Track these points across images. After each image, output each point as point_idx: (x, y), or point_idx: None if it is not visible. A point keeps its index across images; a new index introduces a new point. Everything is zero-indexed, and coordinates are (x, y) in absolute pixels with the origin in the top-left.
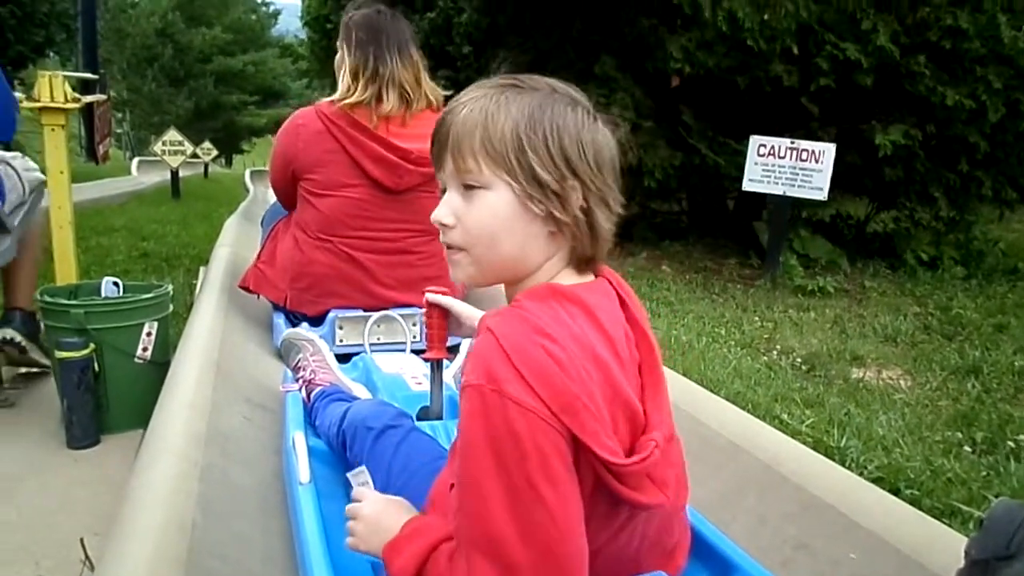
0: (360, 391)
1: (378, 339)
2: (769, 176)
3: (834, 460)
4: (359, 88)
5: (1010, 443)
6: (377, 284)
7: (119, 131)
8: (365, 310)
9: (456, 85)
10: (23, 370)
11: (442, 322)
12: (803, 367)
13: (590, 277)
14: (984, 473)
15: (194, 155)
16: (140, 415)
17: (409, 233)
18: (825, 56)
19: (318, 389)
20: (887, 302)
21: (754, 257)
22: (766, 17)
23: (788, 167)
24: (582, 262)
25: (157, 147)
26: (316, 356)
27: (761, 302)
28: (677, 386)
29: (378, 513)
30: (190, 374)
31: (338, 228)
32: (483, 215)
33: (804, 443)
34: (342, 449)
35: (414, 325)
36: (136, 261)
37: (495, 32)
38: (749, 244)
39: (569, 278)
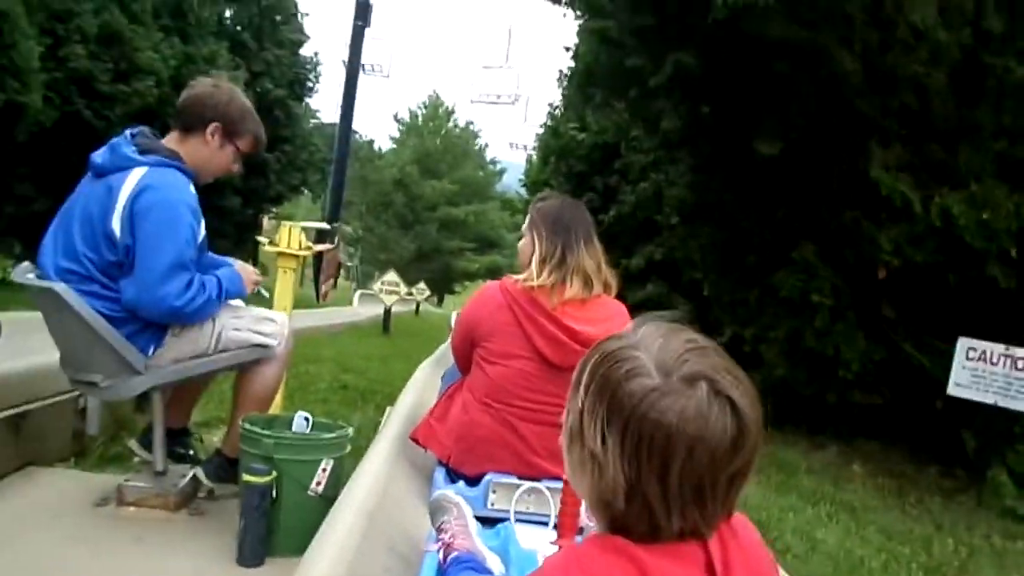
0: (494, 562)
1: (527, 508)
2: (979, 382)
3: None
4: (545, 273)
5: None
6: (533, 454)
7: (349, 264)
8: (520, 477)
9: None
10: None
11: (576, 508)
12: None
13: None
14: None
15: (408, 293)
16: (305, 543)
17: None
18: None
19: (455, 554)
20: None
21: (959, 469)
22: (985, 216)
23: (1001, 374)
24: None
25: (376, 285)
26: (459, 520)
27: (960, 522)
28: None
29: None
30: (346, 517)
31: (503, 395)
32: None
33: None
34: None
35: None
36: (335, 392)
37: (701, 207)
38: (955, 453)
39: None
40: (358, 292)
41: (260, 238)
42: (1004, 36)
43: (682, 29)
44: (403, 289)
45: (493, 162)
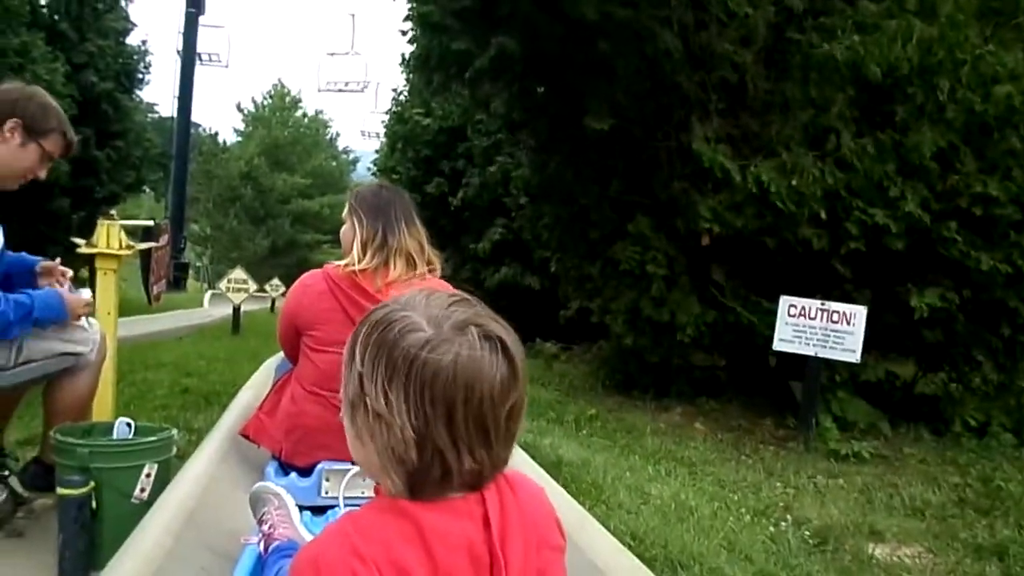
0: None
1: (361, 492)
2: (800, 336)
3: None
4: (368, 256)
5: None
6: None
7: (198, 264)
8: (353, 463)
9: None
10: (43, 502)
11: None
12: (812, 540)
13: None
14: None
15: (261, 290)
16: None
17: None
18: (854, 221)
19: (275, 543)
20: (925, 471)
21: (790, 418)
22: (793, 183)
23: (819, 328)
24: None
25: (223, 284)
26: (280, 511)
27: (789, 467)
28: (620, 566)
29: None
30: (159, 521)
31: (330, 382)
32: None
33: None
34: None
35: None
36: (176, 397)
37: (544, 187)
38: (787, 404)
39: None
40: (208, 293)
41: (76, 239)
42: (805, 13)
43: (502, 11)
44: (252, 286)
45: (346, 151)
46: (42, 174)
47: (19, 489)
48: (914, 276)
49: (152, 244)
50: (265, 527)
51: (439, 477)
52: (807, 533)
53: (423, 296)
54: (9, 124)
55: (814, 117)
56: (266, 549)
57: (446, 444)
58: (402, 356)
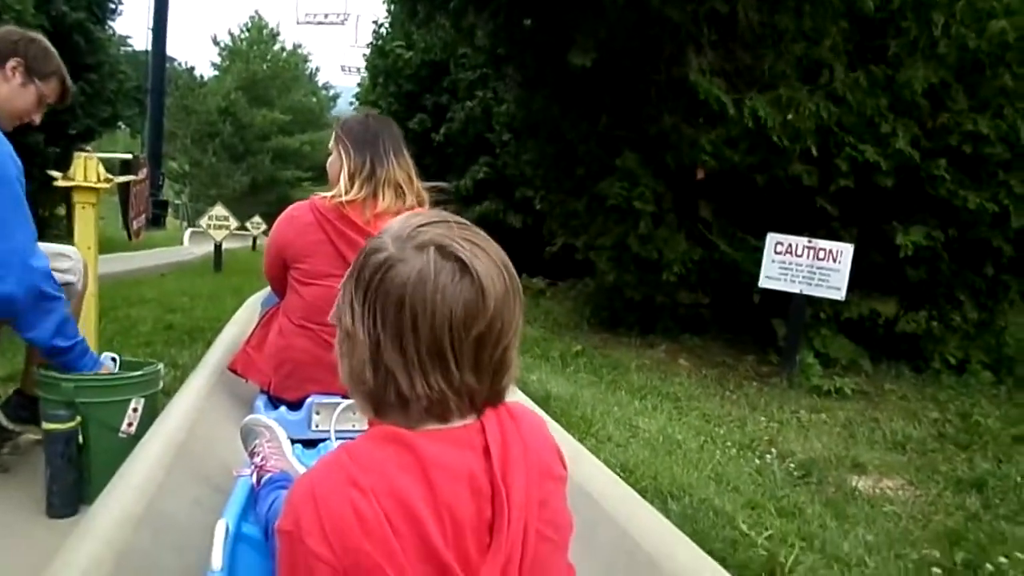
0: None
1: (352, 426)
2: (786, 274)
3: None
4: (355, 187)
5: (989, 565)
6: None
7: (177, 202)
8: (344, 396)
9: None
10: (28, 438)
11: None
12: (796, 473)
13: (467, 417)
14: None
15: (242, 228)
16: None
17: None
18: (844, 157)
19: (268, 475)
20: (905, 406)
21: (773, 355)
22: (789, 117)
23: (805, 265)
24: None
25: (203, 221)
26: (271, 443)
27: (773, 402)
28: (615, 495)
29: None
30: (149, 453)
31: (319, 315)
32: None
33: (756, 556)
34: (265, 536)
35: None
36: (160, 333)
37: (529, 123)
38: (770, 341)
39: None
40: (188, 230)
41: (52, 172)
42: None
43: None
44: (233, 223)
45: (326, 87)
46: (36, 119)
47: (3, 422)
48: (900, 214)
49: (131, 177)
50: (257, 459)
51: (395, 402)
52: (792, 466)
53: (404, 218)
54: (11, 63)
55: (807, 50)
56: (259, 481)
57: (397, 366)
58: (367, 275)
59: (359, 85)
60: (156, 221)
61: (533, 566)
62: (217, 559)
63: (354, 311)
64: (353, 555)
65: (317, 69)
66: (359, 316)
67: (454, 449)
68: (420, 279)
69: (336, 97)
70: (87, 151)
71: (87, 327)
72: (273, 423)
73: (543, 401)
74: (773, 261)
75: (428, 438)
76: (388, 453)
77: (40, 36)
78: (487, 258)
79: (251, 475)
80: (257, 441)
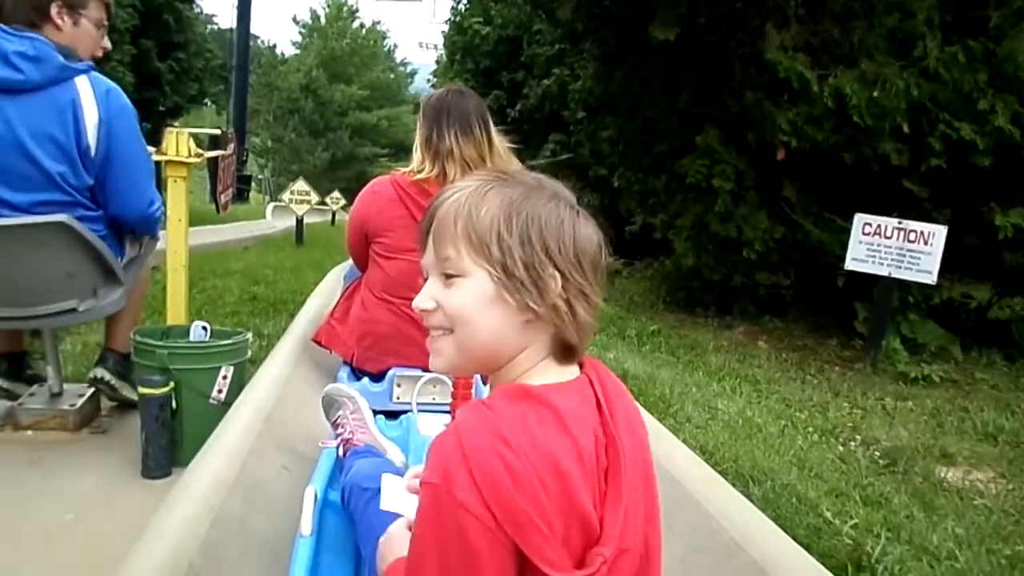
0: (394, 452)
1: (433, 399)
2: (874, 256)
3: (863, 569)
4: (428, 163)
5: None
6: None
7: (260, 176)
8: (424, 370)
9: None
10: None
11: (468, 390)
12: (881, 461)
13: (572, 370)
14: None
15: (322, 203)
16: None
17: None
18: (938, 136)
19: (353, 449)
20: (997, 396)
21: (856, 339)
22: (875, 94)
23: (895, 248)
24: (562, 352)
25: (285, 195)
26: (355, 414)
27: (856, 388)
28: (699, 476)
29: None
30: (239, 420)
31: (401, 289)
32: (462, 300)
33: (841, 545)
34: (343, 504)
35: None
36: (245, 304)
37: (607, 99)
38: (853, 325)
39: (547, 372)
40: (271, 205)
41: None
42: None
43: None
44: (314, 198)
45: (404, 64)
46: (107, 43)
47: (107, 377)
48: (998, 195)
49: (220, 152)
50: (345, 432)
51: (574, 328)
52: (876, 454)
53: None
54: (54, 9)
55: (900, 22)
56: (344, 453)
57: (580, 292)
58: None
59: (436, 62)
60: (240, 195)
61: (648, 518)
62: (307, 524)
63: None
64: (506, 509)
65: (395, 46)
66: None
67: (577, 399)
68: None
69: (414, 74)
70: (175, 127)
71: (177, 296)
72: (356, 393)
73: (620, 379)
74: (860, 242)
75: (555, 391)
76: (526, 408)
77: None
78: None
79: (337, 447)
80: (341, 412)
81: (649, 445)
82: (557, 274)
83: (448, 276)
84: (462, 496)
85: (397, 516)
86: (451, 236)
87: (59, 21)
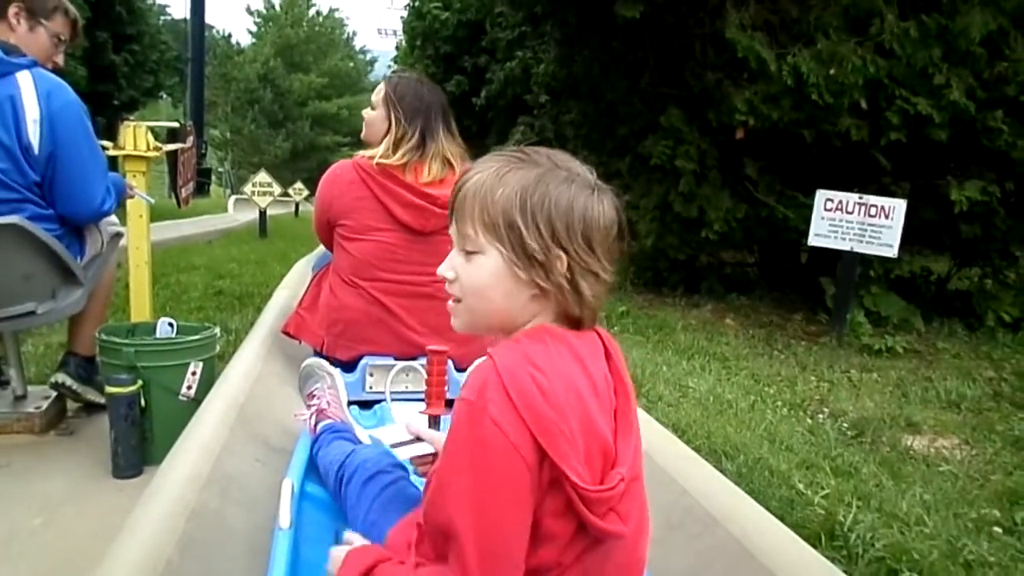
0: (363, 436)
1: (406, 387)
2: (836, 231)
3: (836, 537)
4: (398, 155)
5: None
6: (408, 329)
7: (220, 169)
8: (397, 357)
9: (533, 131)
10: (90, 398)
11: (442, 377)
12: (849, 432)
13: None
14: (1011, 555)
15: (285, 194)
16: None
17: (436, 277)
18: (895, 111)
19: (327, 421)
20: (959, 365)
21: (821, 313)
22: (831, 72)
23: (856, 222)
24: (568, 322)
25: (247, 188)
26: (332, 390)
27: (823, 361)
28: (674, 453)
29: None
30: (211, 415)
31: (368, 271)
32: (477, 274)
33: (813, 515)
34: (338, 487)
35: None
36: (210, 299)
37: (570, 82)
38: (818, 300)
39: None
40: (232, 198)
41: (103, 142)
42: None
43: None
44: (277, 190)
45: (363, 51)
46: (59, 60)
47: (68, 383)
48: (955, 168)
49: (180, 146)
50: (320, 403)
51: (578, 304)
52: (844, 425)
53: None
54: (12, 10)
55: (855, 1)
56: (315, 425)
57: (585, 268)
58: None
59: (396, 48)
60: (200, 189)
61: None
62: (285, 518)
63: (541, 234)
64: (539, 421)
65: (354, 33)
66: (551, 236)
67: (591, 348)
68: (578, 197)
69: (374, 61)
70: (130, 119)
71: (141, 293)
72: (336, 371)
73: None
74: (823, 218)
75: (573, 336)
76: (549, 344)
77: None
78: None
79: (309, 417)
80: (318, 385)
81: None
82: (564, 255)
83: (468, 252)
84: (497, 412)
85: (390, 496)
86: (470, 215)
87: (14, 22)
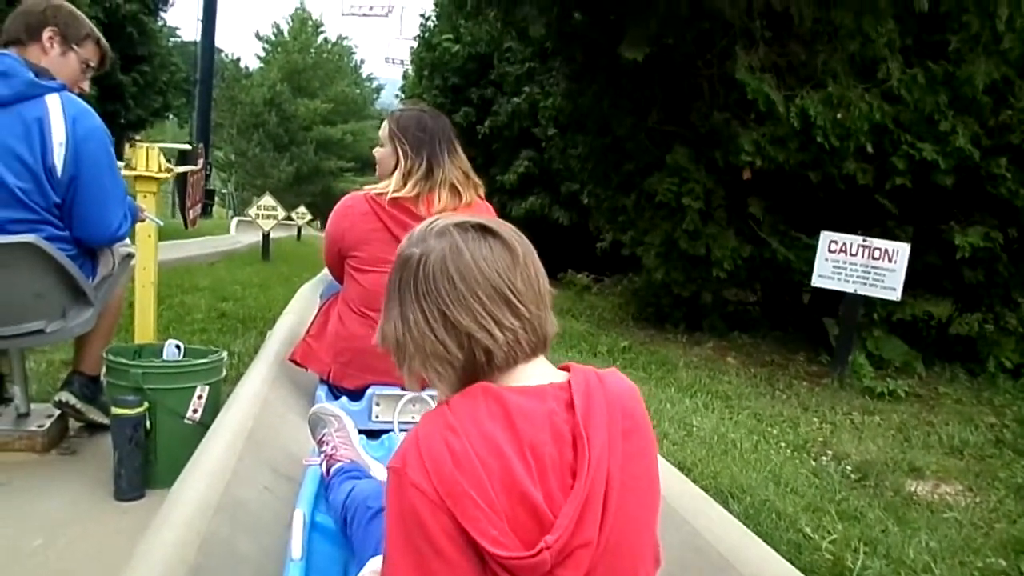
0: (378, 470)
1: (412, 418)
2: (840, 273)
3: None
4: (408, 187)
5: None
6: None
7: (224, 191)
8: (404, 388)
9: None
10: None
11: None
12: (853, 476)
13: (556, 374)
14: None
15: (288, 218)
16: None
17: None
18: (901, 156)
19: (337, 465)
20: (961, 410)
21: (823, 354)
22: (839, 116)
23: (860, 265)
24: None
25: (252, 210)
26: (340, 432)
27: (824, 402)
28: (684, 493)
29: None
30: (219, 442)
31: (378, 302)
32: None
33: (822, 560)
34: (345, 527)
35: None
36: (214, 321)
37: (577, 117)
38: (820, 341)
39: (522, 373)
40: (235, 219)
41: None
42: None
43: None
44: (281, 213)
45: (370, 79)
46: (85, 86)
47: (73, 401)
48: (959, 214)
49: (191, 168)
50: (327, 448)
51: (484, 359)
52: (848, 468)
53: (423, 223)
54: (47, 33)
55: (861, 47)
56: (328, 470)
57: (472, 326)
58: (410, 275)
59: (403, 77)
60: (205, 210)
61: (618, 515)
62: (297, 548)
63: (411, 312)
64: (447, 484)
65: (362, 61)
66: (419, 311)
67: (536, 400)
68: (455, 251)
69: (380, 89)
70: (136, 139)
71: (146, 314)
72: (342, 412)
73: None
74: (827, 260)
75: (514, 392)
76: (478, 403)
77: (65, 2)
78: (498, 224)
79: (320, 464)
80: (326, 430)
81: (652, 452)
82: (456, 332)
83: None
84: (413, 475)
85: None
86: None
87: (47, 45)
